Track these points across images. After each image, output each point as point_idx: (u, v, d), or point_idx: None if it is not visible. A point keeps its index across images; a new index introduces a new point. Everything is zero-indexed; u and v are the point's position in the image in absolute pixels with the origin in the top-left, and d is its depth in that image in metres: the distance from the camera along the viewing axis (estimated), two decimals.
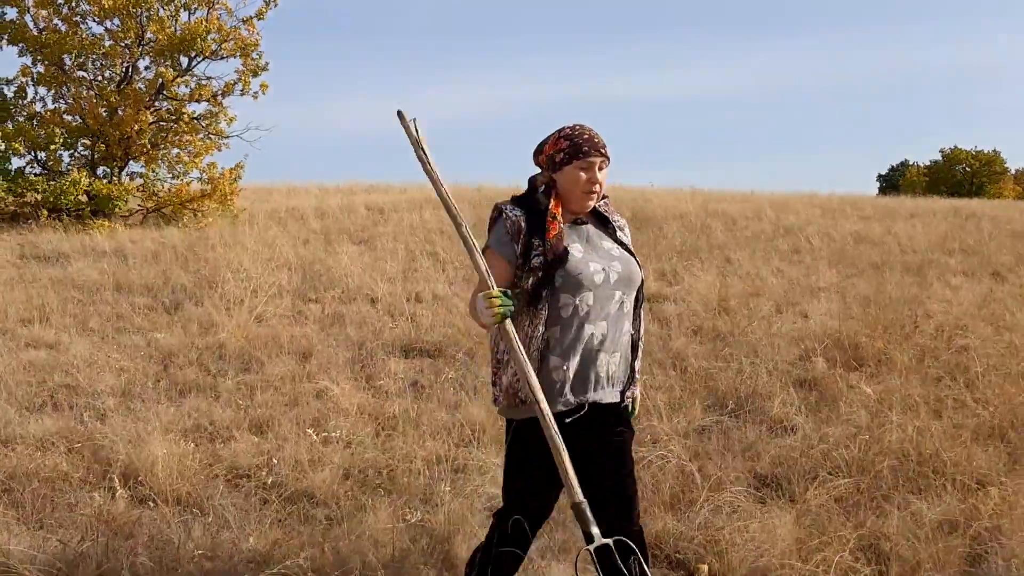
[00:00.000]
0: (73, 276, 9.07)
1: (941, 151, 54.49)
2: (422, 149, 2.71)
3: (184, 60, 14.59)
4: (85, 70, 14.57)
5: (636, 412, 2.95)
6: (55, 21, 14.16)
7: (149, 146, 14.55)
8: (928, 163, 56.04)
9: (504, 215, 2.73)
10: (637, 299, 2.82)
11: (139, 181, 14.77)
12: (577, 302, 2.65)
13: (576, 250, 2.69)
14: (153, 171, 14.82)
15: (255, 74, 14.89)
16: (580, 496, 2.50)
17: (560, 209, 2.72)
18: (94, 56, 14.31)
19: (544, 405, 2.52)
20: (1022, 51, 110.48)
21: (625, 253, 2.80)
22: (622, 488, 2.73)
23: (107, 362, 6.09)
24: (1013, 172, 57.98)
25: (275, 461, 4.29)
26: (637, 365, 2.85)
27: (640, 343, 2.85)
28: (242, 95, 14.90)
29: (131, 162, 14.88)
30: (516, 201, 2.78)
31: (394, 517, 3.76)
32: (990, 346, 6.76)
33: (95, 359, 6.16)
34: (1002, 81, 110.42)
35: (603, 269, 2.70)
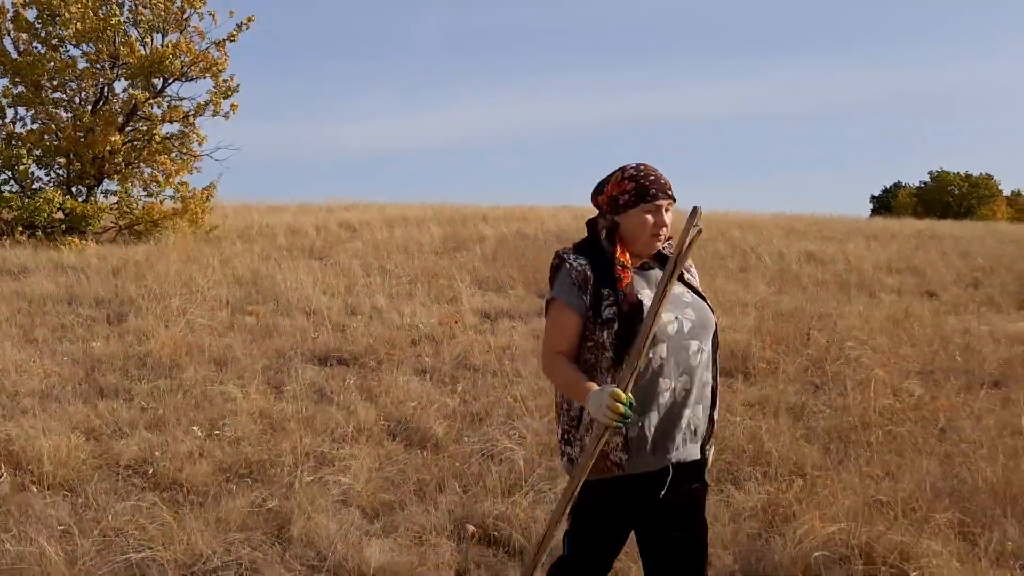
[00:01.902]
0: (29, 289, 9.49)
1: (930, 173, 54.88)
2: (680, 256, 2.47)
3: (158, 82, 15.10)
4: (63, 91, 15.08)
5: (711, 460, 2.79)
6: (34, 44, 14.68)
7: (122, 165, 15.04)
8: (918, 185, 56.36)
9: (568, 264, 2.59)
10: (714, 345, 2.66)
11: (113, 200, 15.25)
12: (651, 356, 2.50)
13: (646, 297, 2.54)
14: (126, 190, 15.29)
15: (225, 95, 15.38)
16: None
17: (627, 255, 2.59)
18: (70, 78, 14.80)
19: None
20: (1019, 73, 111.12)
21: (697, 298, 2.66)
22: (694, 559, 2.64)
23: (37, 368, 6.49)
24: (1008, 194, 58.40)
25: (157, 454, 4.69)
26: (716, 415, 2.69)
27: (718, 391, 2.69)
28: (213, 116, 15.40)
29: (105, 181, 15.39)
30: (578, 248, 2.65)
31: (251, 503, 4.15)
32: (877, 357, 7.15)
33: (27, 366, 6.56)
34: (997, 103, 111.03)
35: (676, 318, 2.55)
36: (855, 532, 3.74)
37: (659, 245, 2.63)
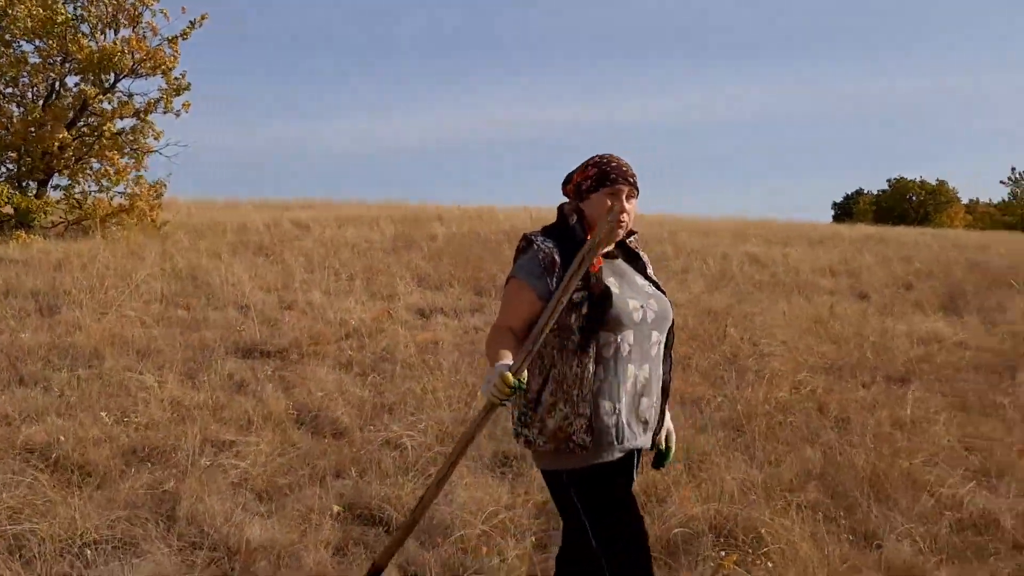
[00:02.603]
0: None
1: (888, 180, 55.71)
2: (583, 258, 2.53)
3: (110, 78, 15.09)
4: (15, 87, 15.03)
5: (672, 452, 2.89)
6: None
7: (72, 161, 15.01)
8: (877, 192, 57.18)
9: (536, 246, 2.62)
10: (670, 338, 2.73)
11: (62, 195, 15.21)
12: (619, 340, 2.55)
13: (613, 285, 2.59)
14: (76, 185, 15.26)
15: (177, 93, 15.40)
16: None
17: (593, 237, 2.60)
18: (22, 73, 14.75)
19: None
20: (985, 83, 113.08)
21: (657, 291, 2.73)
22: (645, 540, 2.67)
23: None
24: (966, 202, 59.37)
25: (62, 439, 4.79)
26: (665, 406, 2.75)
27: (670, 384, 2.75)
28: (164, 113, 15.42)
29: (56, 176, 15.35)
30: (547, 232, 2.68)
31: (147, 485, 4.27)
32: (789, 353, 7.38)
33: None
34: (961, 112, 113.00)
35: (641, 307, 2.61)
36: (719, 512, 3.93)
37: (621, 232, 2.67)
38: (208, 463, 4.58)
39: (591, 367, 2.53)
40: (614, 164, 2.67)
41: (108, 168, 15.37)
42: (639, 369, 2.59)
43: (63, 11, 14.37)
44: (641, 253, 2.81)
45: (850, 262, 15.29)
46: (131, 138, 15.53)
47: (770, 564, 3.63)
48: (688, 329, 7.99)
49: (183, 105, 15.57)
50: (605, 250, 2.67)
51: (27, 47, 14.75)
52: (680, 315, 9.06)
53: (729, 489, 4.29)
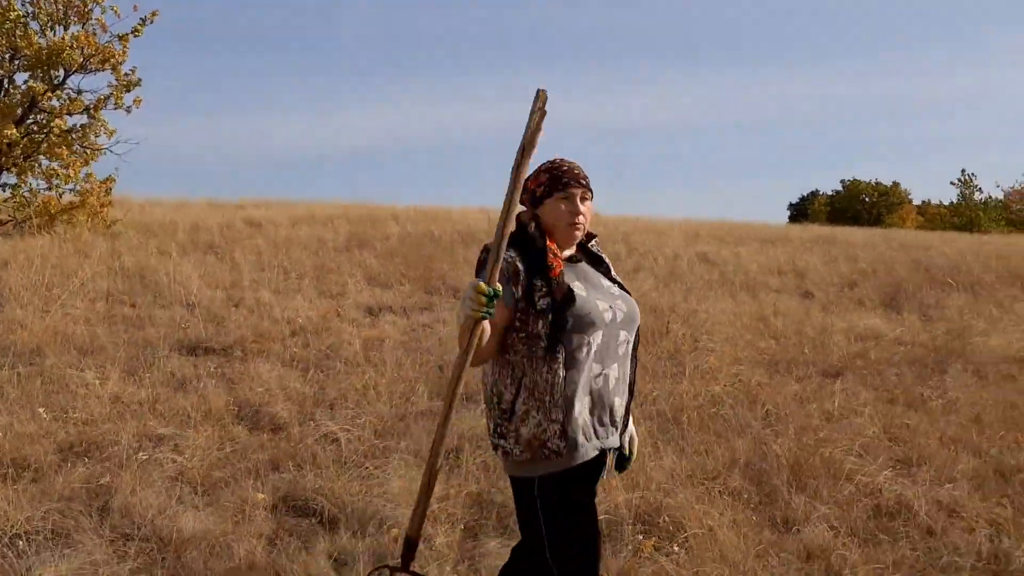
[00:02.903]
0: None
1: (842, 182, 56.61)
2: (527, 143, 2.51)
3: (59, 74, 14.94)
4: None
5: (635, 456, 2.91)
6: None
7: (21, 158, 14.83)
8: (831, 193, 58.07)
9: (501, 254, 2.57)
10: (636, 339, 2.76)
11: (9, 193, 15.02)
12: (589, 341, 2.57)
13: (579, 288, 2.61)
14: (25, 183, 15.08)
15: (128, 89, 15.28)
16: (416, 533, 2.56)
17: (554, 245, 2.64)
18: None
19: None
20: (947, 86, 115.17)
21: (623, 292, 2.76)
22: (597, 547, 2.68)
23: None
24: (918, 203, 60.47)
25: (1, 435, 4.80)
26: (631, 406, 2.77)
27: (636, 384, 2.79)
28: (115, 109, 15.28)
29: (4, 174, 15.15)
30: (515, 240, 2.64)
31: (83, 479, 4.30)
32: (729, 349, 7.56)
33: None
34: (916, 115, 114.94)
35: (610, 307, 2.63)
36: (644, 499, 4.06)
37: (578, 234, 2.68)
38: (145, 457, 4.62)
39: (561, 372, 2.53)
40: (565, 168, 2.69)
41: (57, 166, 15.23)
42: (609, 369, 2.61)
43: (14, 7, 14.21)
44: (603, 256, 2.84)
45: (797, 262, 15.57)
46: (81, 135, 15.39)
47: (687, 548, 3.75)
48: None
49: (134, 101, 15.46)
50: (567, 254, 2.70)
51: None
52: None
53: (657, 478, 4.41)
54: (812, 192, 64.12)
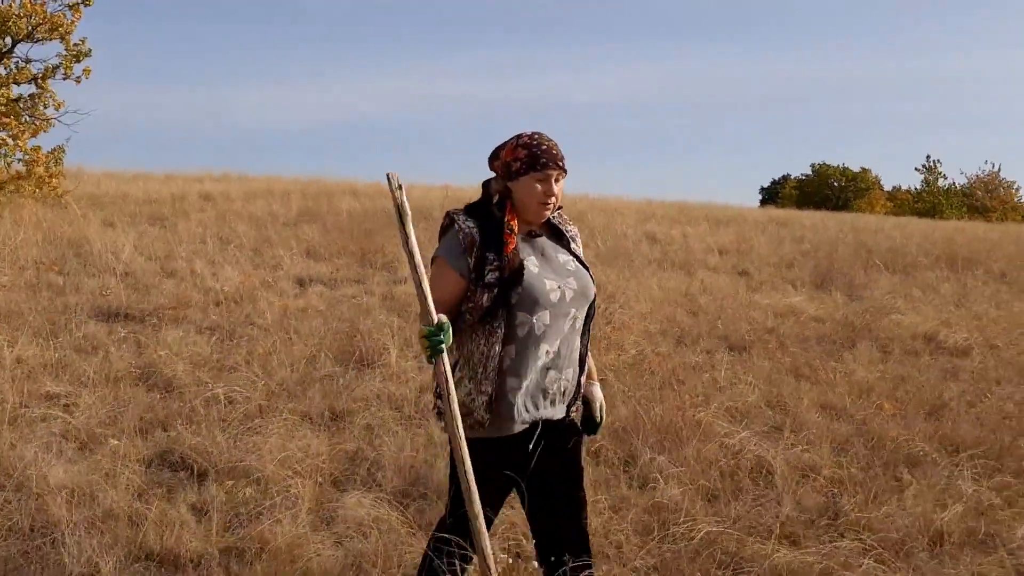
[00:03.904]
0: None
1: (812, 166, 57.01)
2: (402, 218, 2.53)
3: (6, 43, 14.86)
4: None
5: (603, 419, 2.94)
6: None
7: None
8: (801, 176, 58.50)
9: (457, 226, 2.64)
10: (589, 313, 2.78)
11: None
12: (534, 321, 2.60)
13: (532, 264, 2.64)
14: None
15: (77, 59, 15.22)
16: (478, 510, 2.56)
17: (516, 221, 2.66)
18: None
19: (460, 428, 2.53)
20: (928, 68, 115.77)
21: (580, 267, 2.76)
22: (578, 519, 2.76)
23: None
24: (889, 190, 61.07)
25: None
26: (582, 379, 2.80)
27: (587, 357, 2.82)
28: (64, 79, 15.22)
29: None
30: (469, 210, 2.69)
31: None
32: (640, 323, 7.75)
33: None
34: (890, 98, 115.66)
35: (559, 287, 2.65)
36: None
37: (547, 214, 2.69)
38: (33, 415, 4.72)
39: (498, 347, 2.57)
40: (544, 147, 2.66)
41: (4, 135, 15.17)
42: (553, 346, 2.65)
43: None
44: (566, 228, 2.83)
45: (744, 242, 15.81)
46: (30, 105, 15.32)
47: None
48: None
49: (83, 71, 15.42)
50: (528, 229, 2.72)
51: None
52: None
53: None
54: (784, 176, 64.66)
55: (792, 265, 13.41)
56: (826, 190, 55.46)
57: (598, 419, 2.91)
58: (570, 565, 2.69)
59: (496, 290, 2.55)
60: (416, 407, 5.25)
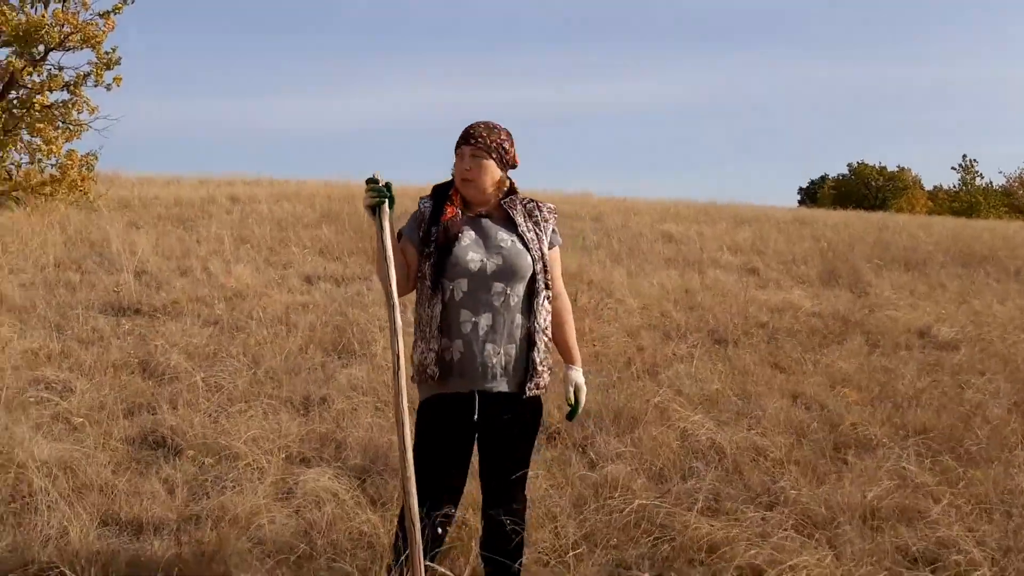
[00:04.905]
0: None
1: (849, 166, 56.51)
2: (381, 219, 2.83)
3: (39, 51, 15.41)
4: None
5: (579, 409, 3.13)
6: None
7: (2, 133, 15.33)
8: (838, 177, 58.00)
9: (419, 206, 2.99)
10: (533, 292, 2.95)
11: None
12: (453, 287, 2.87)
13: (467, 238, 2.90)
14: (6, 157, 15.58)
15: (108, 67, 15.74)
16: (410, 473, 2.76)
17: (458, 197, 2.97)
18: None
19: (403, 379, 2.78)
20: (964, 72, 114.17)
21: (517, 246, 2.93)
22: (502, 475, 3.00)
23: None
24: (929, 189, 60.35)
25: None
26: (537, 357, 2.94)
27: (538, 335, 2.95)
28: (95, 87, 15.75)
29: None
30: (434, 189, 3.02)
31: None
32: (629, 317, 7.94)
33: None
34: (934, 101, 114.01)
35: (481, 259, 2.88)
36: None
37: (468, 188, 2.95)
38: (32, 399, 5.05)
39: (438, 308, 2.86)
40: (465, 128, 2.96)
41: (39, 141, 15.72)
42: (480, 317, 2.87)
43: None
44: (538, 214, 3.03)
45: (760, 241, 15.88)
46: (62, 111, 15.86)
47: None
48: None
49: (114, 79, 15.95)
50: (482, 209, 2.99)
51: None
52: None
53: None
54: (822, 176, 64.13)
55: (803, 263, 13.48)
56: (863, 190, 54.97)
57: (571, 402, 3.11)
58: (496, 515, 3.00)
59: (433, 258, 2.87)
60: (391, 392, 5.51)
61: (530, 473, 3.86)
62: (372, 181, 2.82)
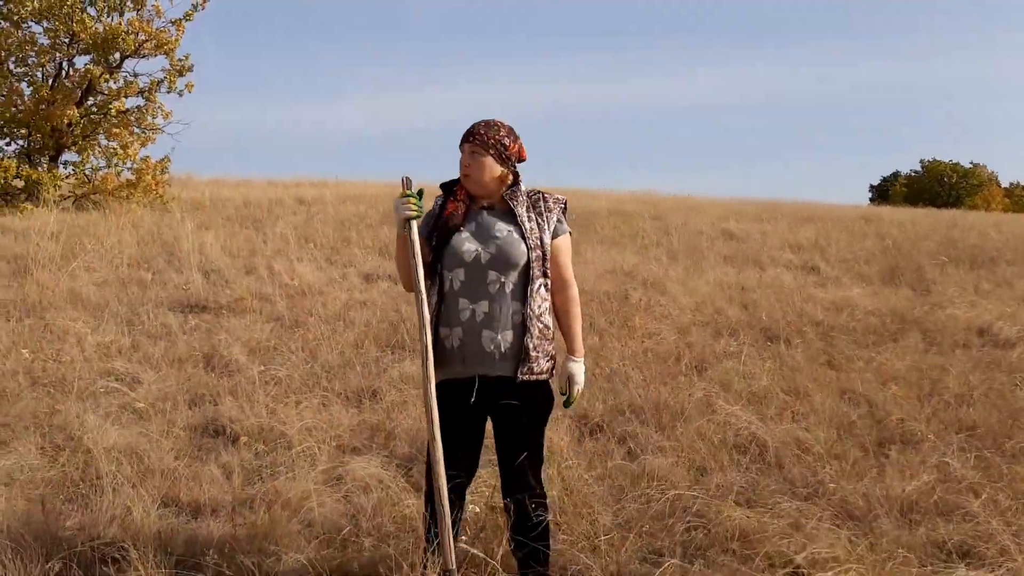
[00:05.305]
0: None
1: (921, 162, 55.22)
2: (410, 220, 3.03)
3: (115, 58, 16.01)
4: (27, 66, 16.01)
5: (573, 399, 3.20)
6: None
7: (80, 138, 15.97)
8: (910, 174, 56.72)
9: (434, 203, 3.17)
10: (528, 280, 3.05)
11: (71, 170, 16.18)
12: (451, 276, 3.02)
13: (467, 231, 3.05)
14: (84, 161, 16.22)
15: (180, 73, 16.27)
16: (438, 455, 2.95)
17: (462, 192, 3.12)
18: (30, 53, 15.72)
19: (430, 369, 2.96)
20: None
21: (513, 236, 3.05)
22: (511, 460, 3.10)
23: None
24: (1007, 185, 58.72)
25: None
26: (530, 343, 3.02)
27: (532, 321, 3.04)
28: (168, 93, 16.29)
29: (66, 152, 16.33)
30: (441, 187, 3.18)
31: (43, 404, 5.05)
32: (681, 315, 7.99)
33: None
34: (1007, 95, 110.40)
35: (476, 249, 3.02)
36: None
37: (469, 183, 3.09)
38: (103, 390, 5.34)
39: (436, 298, 3.05)
40: (468, 127, 3.12)
41: (115, 146, 16.33)
42: (477, 304, 3.00)
43: None
44: (543, 206, 3.15)
45: (824, 239, 15.70)
46: (137, 116, 16.45)
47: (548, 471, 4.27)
48: (592, 291, 8.63)
49: (186, 86, 16.49)
50: (487, 202, 3.13)
51: (35, 28, 15.71)
52: (608, 283, 9.69)
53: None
54: (894, 173, 62.75)
55: (865, 261, 13.32)
56: (936, 187, 53.68)
57: (563, 391, 3.20)
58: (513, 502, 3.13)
59: (435, 248, 3.05)
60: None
61: (571, 463, 4.00)
62: (411, 193, 2.99)
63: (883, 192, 59.48)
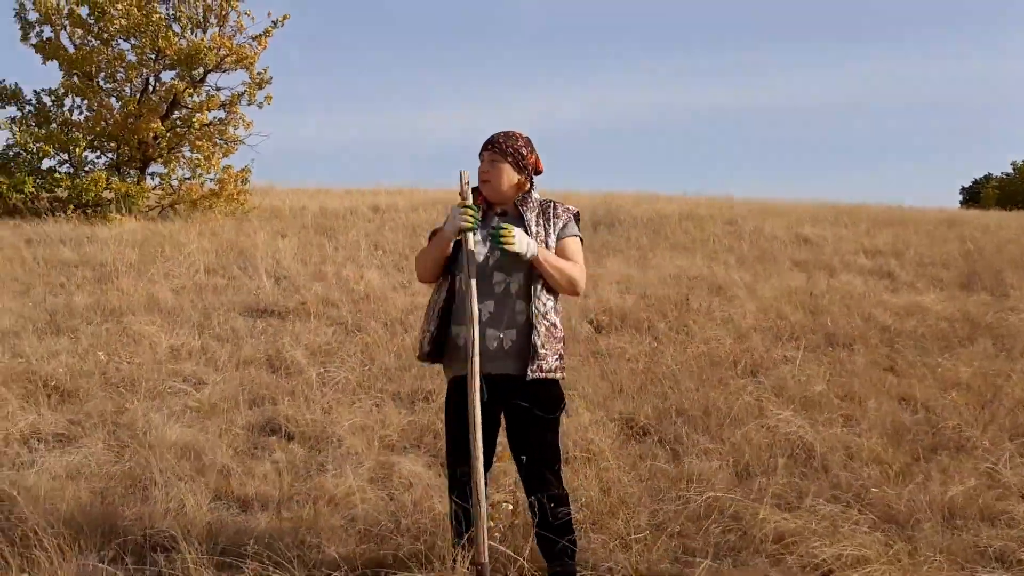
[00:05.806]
0: (51, 255, 10.94)
1: (1012, 164, 53.25)
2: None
3: (199, 72, 16.62)
4: (115, 81, 16.74)
5: (500, 237, 3.10)
6: (88, 39, 16.35)
7: (166, 150, 16.61)
8: (1001, 176, 54.75)
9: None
10: (532, 280, 3.16)
11: (158, 181, 16.83)
12: (461, 277, 3.15)
13: (480, 236, 3.17)
14: (170, 172, 16.86)
15: (260, 86, 16.81)
16: (478, 452, 3.05)
17: (481, 199, 3.26)
18: (118, 69, 16.42)
19: (476, 366, 3.04)
20: None
21: (520, 239, 3.12)
22: (526, 459, 3.20)
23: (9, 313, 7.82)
24: None
25: (61, 371, 5.89)
26: (538, 340, 3.10)
27: (538, 320, 3.13)
28: (248, 105, 16.83)
29: (153, 164, 17.01)
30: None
31: (113, 404, 5.32)
32: (741, 319, 7.94)
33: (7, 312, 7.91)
34: None
35: (483, 252, 3.16)
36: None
37: (487, 190, 3.24)
38: (170, 390, 5.59)
39: (442, 294, 3.20)
40: (488, 137, 3.28)
41: (199, 157, 16.94)
42: (481, 304, 3.11)
43: (157, 10, 15.92)
44: (552, 213, 3.25)
45: (902, 243, 15.33)
46: (220, 128, 17.03)
47: (587, 472, 4.34)
48: (654, 297, 8.63)
49: (265, 98, 17.03)
50: (499, 210, 3.27)
51: (124, 45, 16.41)
52: (671, 288, 9.67)
53: (583, 422, 5.00)
54: (985, 176, 60.66)
55: (943, 266, 12.98)
56: None
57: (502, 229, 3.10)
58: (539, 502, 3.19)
59: (451, 251, 3.23)
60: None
61: (612, 465, 4.05)
62: (469, 204, 3.11)
63: (974, 195, 57.54)
